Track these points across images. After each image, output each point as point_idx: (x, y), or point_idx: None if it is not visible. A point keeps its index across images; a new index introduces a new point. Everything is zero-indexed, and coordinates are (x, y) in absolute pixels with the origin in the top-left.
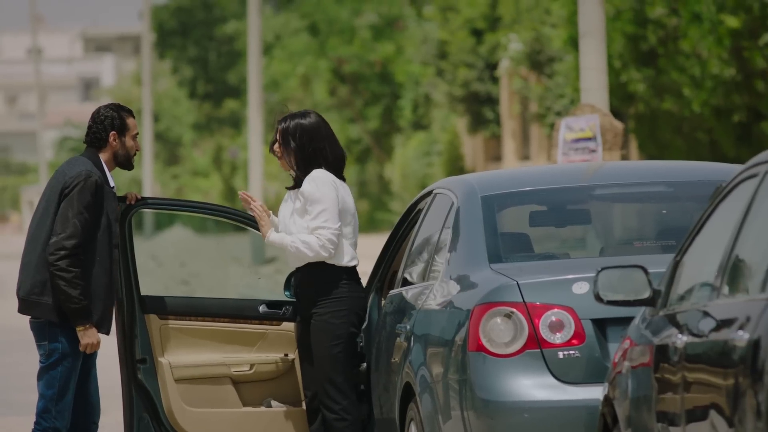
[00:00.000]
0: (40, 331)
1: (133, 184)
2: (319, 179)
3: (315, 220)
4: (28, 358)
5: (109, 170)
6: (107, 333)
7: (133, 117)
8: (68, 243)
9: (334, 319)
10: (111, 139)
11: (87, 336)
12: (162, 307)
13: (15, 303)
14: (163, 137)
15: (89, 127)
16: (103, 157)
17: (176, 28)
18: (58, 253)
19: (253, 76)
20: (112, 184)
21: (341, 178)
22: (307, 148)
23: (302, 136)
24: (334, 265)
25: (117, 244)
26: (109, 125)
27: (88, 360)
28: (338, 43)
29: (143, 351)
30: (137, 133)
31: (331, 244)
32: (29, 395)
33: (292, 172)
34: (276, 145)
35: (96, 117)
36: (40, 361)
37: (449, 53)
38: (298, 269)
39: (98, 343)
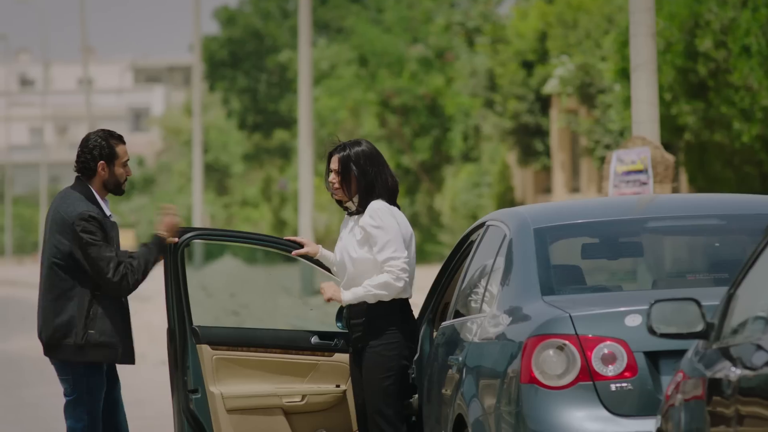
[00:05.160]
0: (62, 366)
1: (185, 212)
2: (380, 210)
3: (383, 252)
4: None
5: (102, 198)
6: (133, 363)
7: (123, 143)
8: (113, 264)
9: (387, 351)
10: (100, 168)
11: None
12: (214, 337)
13: None
14: (213, 167)
15: (78, 156)
16: (94, 186)
17: (226, 59)
18: (121, 282)
19: (303, 107)
20: (108, 212)
21: (396, 205)
22: (369, 172)
23: (365, 162)
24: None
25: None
26: (98, 155)
27: (113, 391)
28: (387, 75)
29: (195, 381)
30: (128, 160)
31: (404, 273)
32: None
33: (351, 203)
34: (332, 176)
35: (85, 146)
36: (65, 395)
37: (499, 86)
38: None
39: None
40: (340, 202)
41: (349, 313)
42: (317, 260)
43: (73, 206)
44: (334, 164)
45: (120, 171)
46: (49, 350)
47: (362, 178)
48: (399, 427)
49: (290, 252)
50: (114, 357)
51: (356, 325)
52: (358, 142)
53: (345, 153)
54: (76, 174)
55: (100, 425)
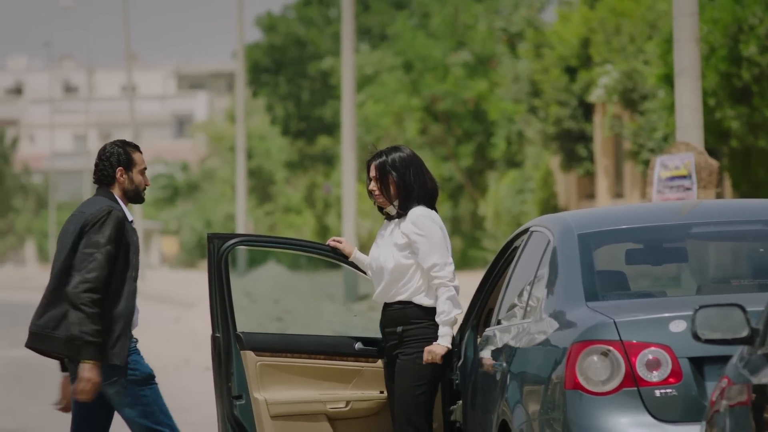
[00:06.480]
0: (107, 371)
1: (227, 220)
2: (422, 216)
3: (428, 259)
4: None
5: (124, 205)
6: (122, 363)
7: (140, 152)
8: (90, 276)
9: (421, 359)
10: (118, 175)
11: (92, 371)
12: (258, 343)
13: None
14: (256, 174)
15: (96, 165)
16: (115, 194)
17: (269, 65)
18: (80, 286)
19: (346, 114)
20: (130, 218)
21: (434, 208)
22: (408, 176)
23: (402, 166)
24: (421, 305)
25: (136, 276)
26: (115, 162)
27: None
28: (432, 80)
29: (239, 387)
30: (145, 168)
31: (453, 275)
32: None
33: (392, 207)
34: (372, 184)
35: (102, 154)
36: (122, 397)
37: (542, 91)
38: (384, 308)
39: (98, 383)
40: (381, 209)
41: (383, 321)
42: (351, 262)
43: (97, 205)
44: (373, 171)
45: (139, 178)
46: (37, 340)
47: (401, 182)
48: None
49: (333, 258)
50: (102, 355)
51: (390, 334)
52: (396, 148)
53: (382, 159)
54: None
55: (166, 407)
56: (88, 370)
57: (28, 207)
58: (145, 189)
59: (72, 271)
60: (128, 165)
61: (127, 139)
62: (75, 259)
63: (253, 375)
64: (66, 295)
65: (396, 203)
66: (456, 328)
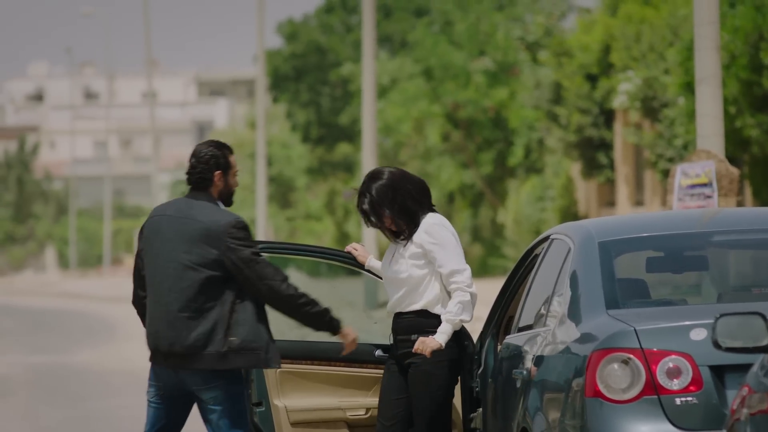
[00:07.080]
0: (208, 376)
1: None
2: (434, 225)
3: (447, 266)
4: (138, 401)
5: None
6: (277, 365)
7: (233, 153)
8: (280, 274)
9: (435, 369)
10: (216, 179)
11: (349, 335)
12: (278, 351)
13: (129, 346)
14: (277, 181)
15: (194, 167)
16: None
17: (289, 73)
18: (282, 287)
19: (367, 120)
20: None
21: (431, 204)
22: (398, 199)
23: (388, 195)
24: (437, 314)
25: None
26: (214, 165)
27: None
28: (453, 88)
29: (259, 394)
30: (237, 170)
31: (471, 280)
32: None
33: (405, 231)
34: (379, 225)
35: (200, 157)
36: (218, 404)
37: (564, 98)
38: (396, 316)
39: (356, 336)
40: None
41: (396, 328)
42: (367, 269)
43: (219, 215)
44: (370, 215)
45: (233, 181)
46: (187, 362)
47: (396, 210)
48: None
49: (352, 265)
50: (257, 362)
51: (403, 341)
52: (372, 178)
53: (369, 200)
54: (190, 187)
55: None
56: (348, 334)
57: (48, 213)
58: (234, 191)
59: (256, 283)
60: (226, 168)
61: (216, 141)
62: (242, 277)
63: (273, 382)
64: (283, 306)
65: (405, 226)
66: (451, 333)
